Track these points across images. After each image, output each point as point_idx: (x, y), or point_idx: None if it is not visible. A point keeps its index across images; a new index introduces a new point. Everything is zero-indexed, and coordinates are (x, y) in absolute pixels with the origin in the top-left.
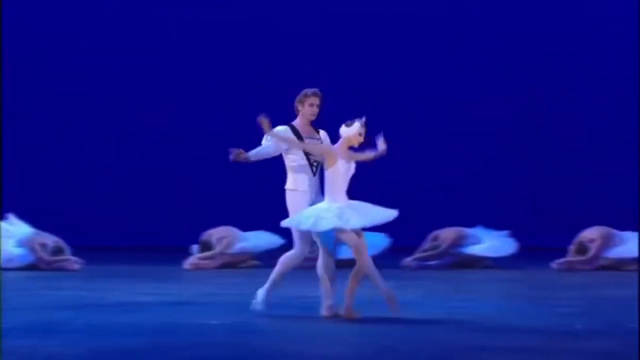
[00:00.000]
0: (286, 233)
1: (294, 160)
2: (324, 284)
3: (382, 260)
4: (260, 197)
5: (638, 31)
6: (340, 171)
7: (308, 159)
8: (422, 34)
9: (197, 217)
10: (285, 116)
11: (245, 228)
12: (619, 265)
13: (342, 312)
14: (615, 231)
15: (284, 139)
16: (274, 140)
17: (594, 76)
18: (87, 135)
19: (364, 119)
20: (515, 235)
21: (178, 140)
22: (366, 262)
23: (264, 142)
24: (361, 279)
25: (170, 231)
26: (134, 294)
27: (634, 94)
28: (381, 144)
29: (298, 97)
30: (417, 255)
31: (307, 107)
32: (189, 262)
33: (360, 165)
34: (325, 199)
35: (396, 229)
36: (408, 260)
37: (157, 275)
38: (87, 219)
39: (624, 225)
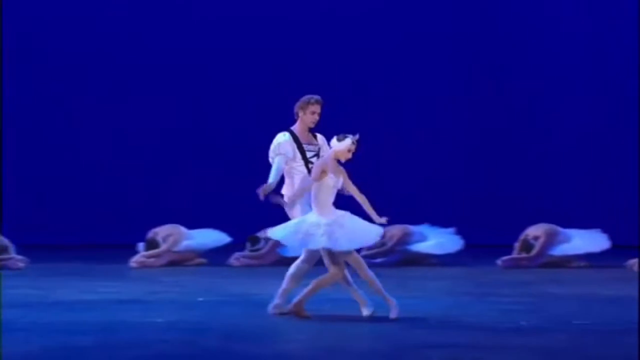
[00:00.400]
0: (233, 231)
1: (293, 167)
2: (290, 284)
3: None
4: (207, 195)
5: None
6: (329, 185)
7: (307, 168)
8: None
9: (143, 215)
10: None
11: (191, 226)
12: (563, 262)
13: (288, 308)
14: (559, 228)
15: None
16: (281, 156)
17: (537, 73)
18: (31, 133)
19: (357, 137)
20: (460, 232)
21: (124, 138)
22: (368, 277)
23: (274, 160)
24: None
25: (117, 229)
26: (80, 292)
27: (579, 90)
28: (377, 219)
29: (299, 103)
30: (364, 252)
31: (309, 115)
32: (134, 260)
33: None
34: (312, 210)
35: None
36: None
37: (103, 273)
38: (31, 217)
39: (568, 222)
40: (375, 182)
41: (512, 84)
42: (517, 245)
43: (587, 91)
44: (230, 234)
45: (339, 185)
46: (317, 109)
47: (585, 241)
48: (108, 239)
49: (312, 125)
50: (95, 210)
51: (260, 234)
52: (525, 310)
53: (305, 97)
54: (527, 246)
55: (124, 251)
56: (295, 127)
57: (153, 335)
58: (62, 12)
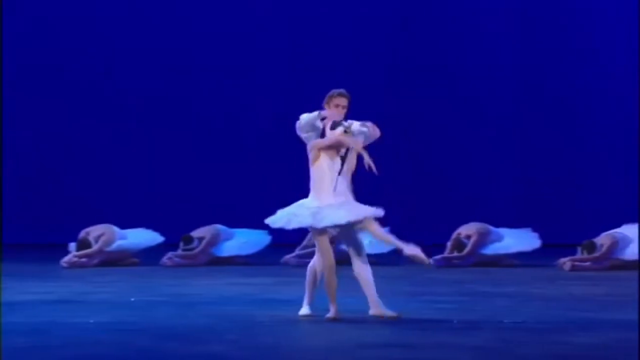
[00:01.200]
0: (165, 231)
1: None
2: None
3: (263, 258)
4: (140, 195)
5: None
6: (324, 168)
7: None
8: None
9: (75, 215)
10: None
11: (124, 225)
12: (495, 261)
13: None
14: (491, 227)
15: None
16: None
17: (464, 73)
18: None
19: (348, 123)
20: (394, 232)
21: (53, 136)
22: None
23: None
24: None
25: (48, 228)
26: (11, 292)
27: (506, 91)
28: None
29: (326, 98)
30: (297, 252)
31: (333, 108)
32: (66, 260)
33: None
34: (310, 196)
35: None
36: (288, 257)
37: (35, 273)
38: None
39: (500, 221)
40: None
41: (442, 81)
42: (449, 244)
43: (515, 90)
44: (163, 233)
45: (336, 169)
46: (341, 101)
47: (517, 240)
48: (39, 238)
49: (339, 119)
50: (26, 209)
51: (194, 234)
52: (458, 309)
53: (331, 91)
54: (460, 245)
55: (56, 251)
56: (325, 122)
57: (85, 335)
58: (60, 11)
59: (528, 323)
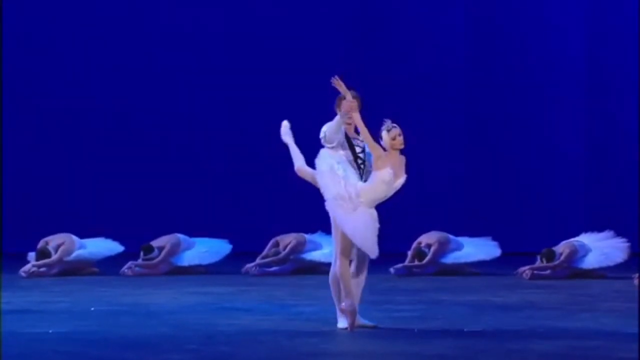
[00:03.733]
0: (125, 241)
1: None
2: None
3: (223, 267)
4: (100, 204)
5: None
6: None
7: (357, 163)
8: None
9: (34, 224)
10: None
11: (84, 235)
12: (455, 270)
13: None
14: (451, 236)
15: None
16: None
17: (419, 81)
18: None
19: (388, 124)
20: None
21: (14, 146)
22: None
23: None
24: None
25: (6, 238)
26: None
27: (467, 99)
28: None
29: (336, 101)
30: (258, 261)
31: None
32: (24, 270)
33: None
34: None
35: (238, 234)
36: (249, 266)
37: None
38: None
39: (460, 230)
40: (272, 189)
41: (401, 85)
42: (409, 253)
43: (472, 93)
44: (122, 242)
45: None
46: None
47: (477, 249)
48: None
49: (350, 122)
50: None
51: (154, 243)
52: (419, 317)
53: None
54: (420, 254)
55: (14, 260)
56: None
57: (45, 346)
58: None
59: (488, 331)
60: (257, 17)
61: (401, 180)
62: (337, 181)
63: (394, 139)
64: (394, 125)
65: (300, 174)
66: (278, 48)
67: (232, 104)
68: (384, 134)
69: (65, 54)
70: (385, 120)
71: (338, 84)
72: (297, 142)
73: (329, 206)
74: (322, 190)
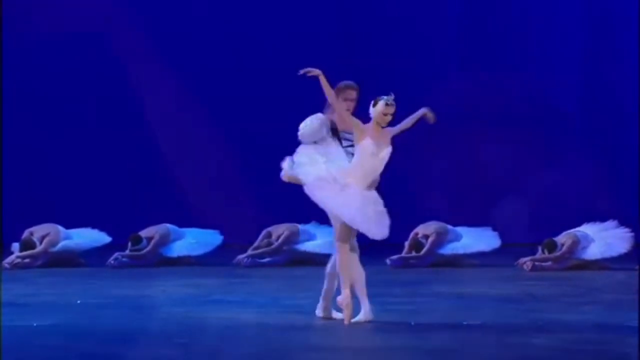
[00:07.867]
0: (112, 231)
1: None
2: (330, 283)
3: (214, 258)
4: (86, 193)
5: None
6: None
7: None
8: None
9: (18, 214)
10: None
11: (69, 225)
12: (454, 261)
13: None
14: (449, 227)
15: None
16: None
17: (408, 74)
18: None
19: (392, 96)
20: None
21: (3, 134)
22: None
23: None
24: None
25: None
26: None
27: (469, 92)
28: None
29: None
30: (250, 252)
31: (341, 101)
32: (8, 261)
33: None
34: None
35: (229, 225)
36: (240, 258)
37: None
38: None
39: (458, 220)
40: (263, 180)
41: (398, 80)
42: (407, 244)
43: (474, 86)
44: (110, 233)
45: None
46: (349, 94)
47: (476, 240)
48: None
49: (348, 107)
50: None
51: (142, 233)
52: (416, 310)
53: (339, 83)
54: (417, 245)
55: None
56: (333, 115)
57: (29, 339)
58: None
59: (487, 324)
60: (252, 17)
61: (387, 150)
62: (318, 167)
63: (385, 114)
64: (394, 103)
65: (287, 179)
66: (269, 47)
67: (221, 96)
68: (380, 103)
69: (56, 46)
70: (391, 93)
71: (309, 71)
72: (288, 143)
73: (307, 189)
74: (302, 179)
